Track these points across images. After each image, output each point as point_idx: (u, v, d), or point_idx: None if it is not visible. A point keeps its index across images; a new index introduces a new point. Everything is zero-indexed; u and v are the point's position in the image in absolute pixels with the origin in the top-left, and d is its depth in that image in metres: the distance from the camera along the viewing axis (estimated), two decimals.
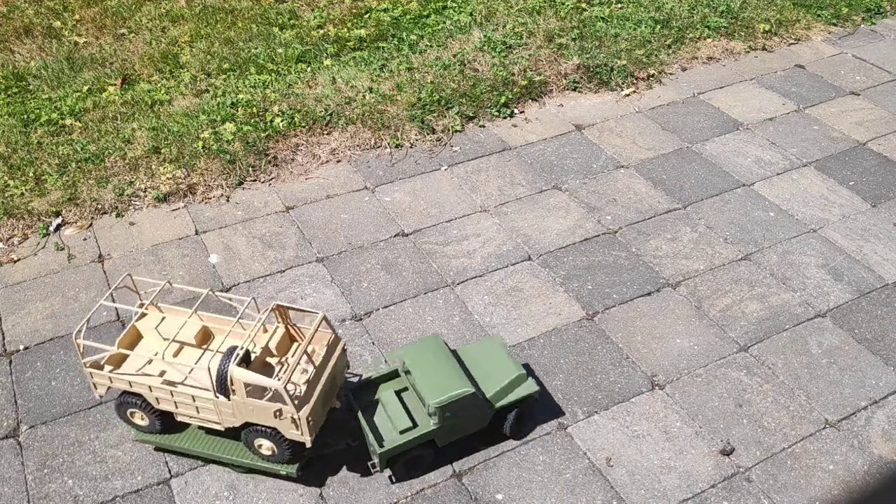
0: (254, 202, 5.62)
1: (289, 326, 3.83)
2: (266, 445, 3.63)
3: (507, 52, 7.11)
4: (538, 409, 4.15)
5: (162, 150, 5.89)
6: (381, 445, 3.63)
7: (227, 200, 5.63)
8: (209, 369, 3.52)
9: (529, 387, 3.87)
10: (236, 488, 3.80)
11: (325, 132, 6.22)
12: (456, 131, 6.32)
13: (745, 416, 4.16)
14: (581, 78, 6.95)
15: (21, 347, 4.51)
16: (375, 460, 3.67)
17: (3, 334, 4.60)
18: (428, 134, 6.25)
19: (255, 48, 7.28)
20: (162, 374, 3.67)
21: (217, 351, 3.68)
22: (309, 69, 6.97)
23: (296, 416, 3.42)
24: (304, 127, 6.19)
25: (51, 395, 4.23)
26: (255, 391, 3.48)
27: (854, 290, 4.92)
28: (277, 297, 4.81)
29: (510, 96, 6.64)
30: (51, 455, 3.94)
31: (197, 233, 5.34)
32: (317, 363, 3.63)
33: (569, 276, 4.99)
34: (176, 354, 3.74)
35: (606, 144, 6.22)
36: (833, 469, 3.92)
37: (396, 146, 6.15)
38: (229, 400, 3.50)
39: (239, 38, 7.48)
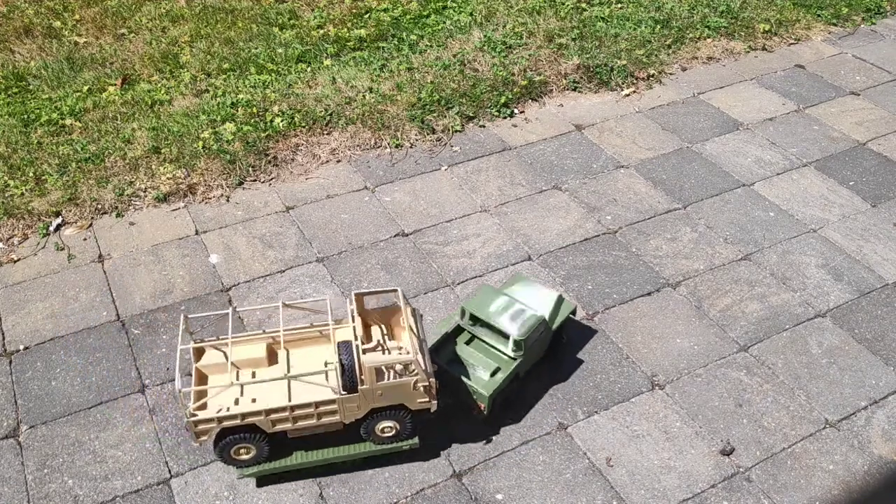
0: (254, 202, 5.62)
1: (363, 312, 3.92)
2: (389, 426, 3.76)
3: (507, 52, 7.11)
4: (538, 409, 4.15)
5: (162, 150, 5.89)
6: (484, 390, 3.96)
7: (227, 200, 5.63)
8: (331, 370, 3.58)
9: (569, 305, 4.33)
10: (236, 488, 3.80)
11: (325, 132, 6.22)
12: (456, 131, 6.32)
13: (745, 416, 4.16)
14: (581, 78, 6.95)
15: (21, 347, 4.52)
16: (482, 405, 3.96)
17: (3, 334, 4.60)
18: (428, 134, 6.25)
19: (255, 48, 7.28)
20: (254, 400, 3.63)
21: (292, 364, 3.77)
22: (309, 69, 6.97)
23: (429, 382, 3.63)
24: (304, 127, 6.19)
25: (51, 395, 4.23)
26: (377, 376, 3.65)
27: (854, 290, 4.92)
28: (277, 297, 4.82)
29: (510, 96, 6.64)
30: (51, 455, 3.94)
31: (197, 233, 5.34)
32: (415, 332, 3.75)
33: (569, 276, 4.99)
34: (253, 376, 3.74)
35: (606, 144, 6.22)
36: (833, 469, 3.92)
37: (396, 146, 6.15)
38: (357, 392, 3.54)
39: (239, 38, 7.48)
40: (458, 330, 4.21)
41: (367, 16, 7.93)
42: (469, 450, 3.97)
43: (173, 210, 5.54)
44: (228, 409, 3.55)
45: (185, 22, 7.80)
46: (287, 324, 4.11)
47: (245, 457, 3.68)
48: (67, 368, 4.38)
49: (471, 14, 7.86)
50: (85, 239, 5.30)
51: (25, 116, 6.30)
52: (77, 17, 7.95)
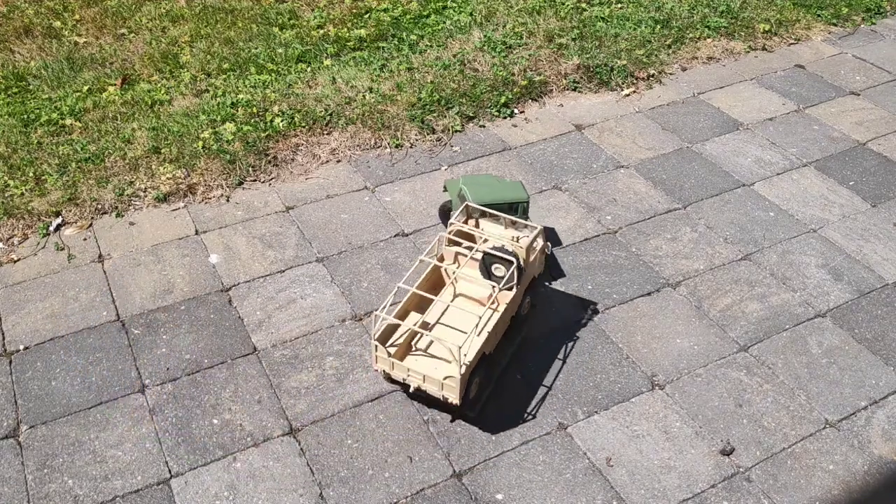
0: (254, 202, 5.62)
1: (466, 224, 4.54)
2: (528, 300, 4.48)
3: (507, 52, 7.11)
4: (538, 409, 4.16)
5: (162, 150, 5.89)
6: None
7: (227, 200, 5.63)
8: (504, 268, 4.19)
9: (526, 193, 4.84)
10: (236, 488, 3.80)
11: (325, 132, 6.22)
12: (456, 131, 6.32)
13: (745, 416, 4.16)
14: (581, 78, 6.95)
15: (21, 347, 4.52)
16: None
17: (3, 334, 4.60)
18: (428, 134, 6.25)
19: (255, 48, 7.28)
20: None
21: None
22: (309, 69, 6.97)
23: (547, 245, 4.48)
24: (304, 127, 6.19)
25: (51, 395, 4.23)
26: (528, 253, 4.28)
27: (854, 290, 4.92)
28: (277, 296, 4.82)
29: (510, 96, 6.64)
30: (51, 455, 3.94)
31: (197, 233, 5.34)
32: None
33: (569, 276, 4.99)
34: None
35: (606, 144, 6.22)
36: (833, 469, 3.92)
37: (396, 146, 6.15)
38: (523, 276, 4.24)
39: (239, 38, 7.48)
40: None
41: (367, 16, 7.94)
42: (469, 450, 3.97)
43: (173, 210, 5.54)
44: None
45: (185, 22, 7.81)
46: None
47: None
48: (67, 368, 4.38)
49: (471, 14, 7.86)
50: (85, 239, 5.30)
51: (25, 116, 6.31)
52: (77, 17, 7.95)
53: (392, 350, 3.92)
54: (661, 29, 7.58)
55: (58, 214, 5.43)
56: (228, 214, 5.51)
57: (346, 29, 7.65)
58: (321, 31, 7.60)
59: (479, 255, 4.29)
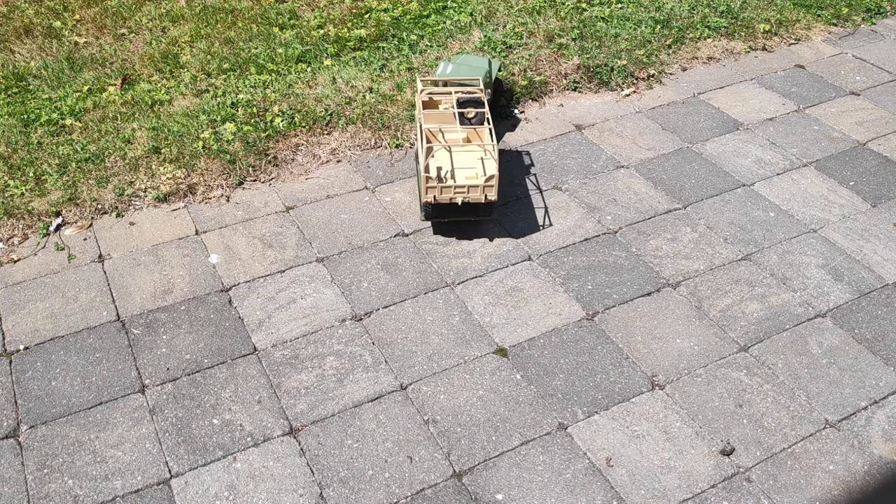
0: (254, 202, 5.62)
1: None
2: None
3: (507, 53, 7.11)
4: (538, 409, 4.16)
5: (162, 150, 5.89)
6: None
7: (228, 200, 5.63)
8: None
9: (497, 62, 6.14)
10: (236, 488, 3.80)
11: (325, 132, 6.22)
12: None
13: (745, 416, 4.16)
14: (581, 78, 6.95)
15: (21, 347, 4.52)
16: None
17: (3, 334, 4.60)
18: None
19: (256, 48, 7.28)
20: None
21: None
22: (309, 69, 6.97)
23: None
24: (304, 127, 6.19)
25: (51, 395, 4.24)
26: None
27: (854, 290, 4.92)
28: (277, 296, 4.82)
29: (510, 96, 6.63)
30: (51, 455, 3.94)
31: (197, 233, 5.35)
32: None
33: (569, 276, 5.00)
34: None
35: (606, 144, 6.22)
36: (833, 469, 3.92)
37: (396, 146, 6.15)
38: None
39: (239, 38, 7.48)
40: None
41: (367, 16, 7.94)
42: (469, 450, 3.97)
43: (173, 210, 5.55)
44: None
45: (185, 22, 7.81)
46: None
47: None
48: (67, 368, 4.38)
49: (471, 14, 7.86)
50: (85, 239, 5.30)
51: (25, 116, 6.31)
52: (77, 17, 7.95)
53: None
54: (662, 29, 7.58)
55: (58, 214, 5.43)
56: (228, 214, 5.51)
57: (346, 29, 7.65)
58: (321, 31, 7.60)
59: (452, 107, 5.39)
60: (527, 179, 5.81)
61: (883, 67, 7.29)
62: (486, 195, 4.90)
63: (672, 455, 3.97)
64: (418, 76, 5.59)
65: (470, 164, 5.01)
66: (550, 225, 5.38)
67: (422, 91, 5.46)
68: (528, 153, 6.11)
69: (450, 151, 5.06)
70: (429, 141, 5.16)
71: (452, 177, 4.90)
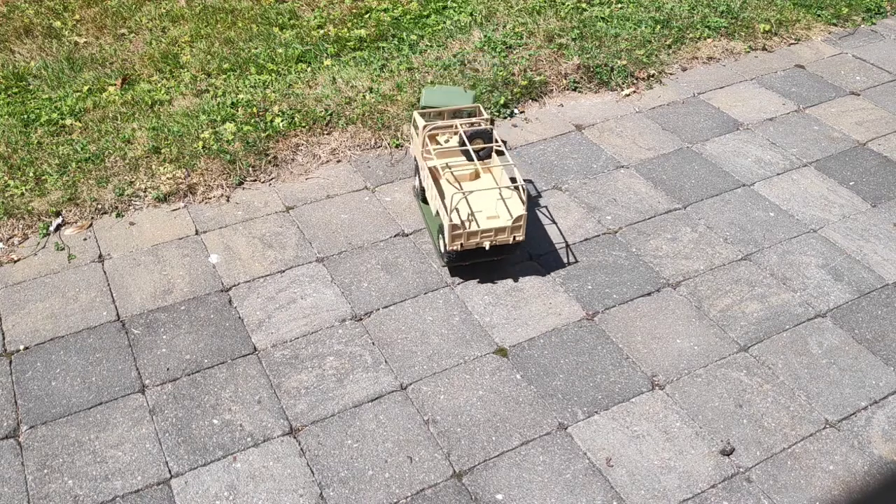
0: (254, 202, 5.62)
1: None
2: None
3: (507, 52, 7.11)
4: (538, 409, 4.16)
5: (162, 150, 5.89)
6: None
7: (228, 200, 5.63)
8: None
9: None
10: (236, 488, 3.80)
11: (325, 132, 6.22)
12: None
13: (745, 416, 4.16)
14: (581, 78, 6.95)
15: (21, 347, 4.52)
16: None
17: (3, 334, 4.60)
18: None
19: (256, 48, 7.28)
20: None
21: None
22: (309, 69, 6.97)
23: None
24: (304, 127, 6.19)
25: (51, 395, 4.24)
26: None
27: (854, 290, 4.92)
28: (277, 296, 4.82)
29: (510, 96, 6.64)
30: (51, 455, 3.94)
31: (197, 233, 5.35)
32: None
33: (569, 276, 5.00)
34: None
35: (606, 144, 6.22)
36: (833, 469, 3.92)
37: (396, 146, 6.15)
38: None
39: (239, 38, 7.48)
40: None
41: (367, 16, 7.94)
42: (469, 450, 3.97)
43: (173, 210, 5.55)
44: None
45: (185, 22, 7.81)
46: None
47: None
48: (67, 368, 4.38)
49: (471, 14, 7.86)
50: (85, 239, 5.30)
51: (25, 116, 6.31)
52: (77, 17, 7.95)
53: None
54: (662, 29, 7.58)
55: (58, 214, 5.43)
56: (228, 214, 5.51)
57: (346, 29, 7.65)
58: (321, 32, 7.60)
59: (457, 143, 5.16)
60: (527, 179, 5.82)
61: (883, 67, 7.29)
62: (514, 237, 4.65)
63: (672, 455, 3.97)
64: (416, 112, 5.24)
65: (489, 204, 4.79)
66: (551, 224, 5.39)
67: (425, 127, 5.06)
68: (528, 153, 6.11)
69: (464, 192, 4.80)
70: (438, 180, 4.97)
71: (474, 219, 4.67)
